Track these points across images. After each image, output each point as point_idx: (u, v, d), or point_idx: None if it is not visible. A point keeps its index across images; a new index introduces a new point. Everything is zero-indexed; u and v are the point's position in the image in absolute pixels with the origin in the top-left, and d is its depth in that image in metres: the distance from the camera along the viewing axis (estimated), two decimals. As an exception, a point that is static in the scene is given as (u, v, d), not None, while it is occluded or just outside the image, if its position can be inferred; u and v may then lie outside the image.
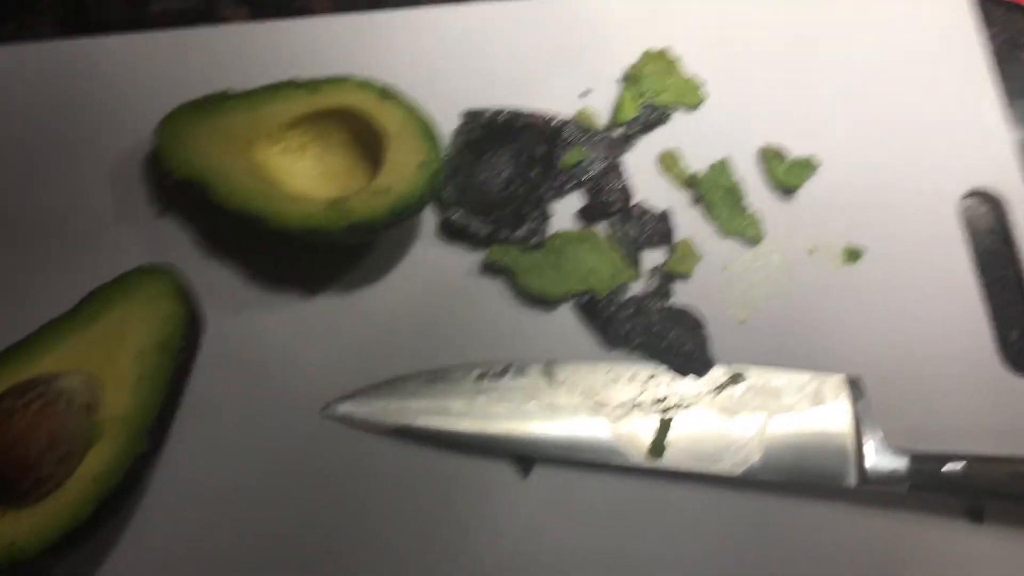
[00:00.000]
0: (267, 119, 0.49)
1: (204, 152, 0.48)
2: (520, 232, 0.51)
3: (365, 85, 0.49)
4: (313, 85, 0.49)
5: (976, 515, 0.47)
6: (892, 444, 0.46)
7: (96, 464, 0.41)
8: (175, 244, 0.51)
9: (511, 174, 0.52)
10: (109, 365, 0.43)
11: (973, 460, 0.45)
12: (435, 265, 0.51)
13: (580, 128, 0.53)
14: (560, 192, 0.52)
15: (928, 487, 0.45)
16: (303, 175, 0.50)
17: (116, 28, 0.56)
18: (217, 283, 0.50)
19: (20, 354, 0.43)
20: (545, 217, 0.51)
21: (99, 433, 0.42)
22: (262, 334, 0.49)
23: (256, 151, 0.49)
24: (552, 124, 0.53)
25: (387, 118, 0.48)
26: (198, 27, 0.56)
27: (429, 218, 0.52)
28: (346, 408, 0.48)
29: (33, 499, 0.40)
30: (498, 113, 0.53)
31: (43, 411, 0.40)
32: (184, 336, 0.45)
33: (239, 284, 0.50)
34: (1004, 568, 0.46)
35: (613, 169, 0.53)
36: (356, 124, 0.49)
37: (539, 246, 0.51)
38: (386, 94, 0.49)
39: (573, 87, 0.55)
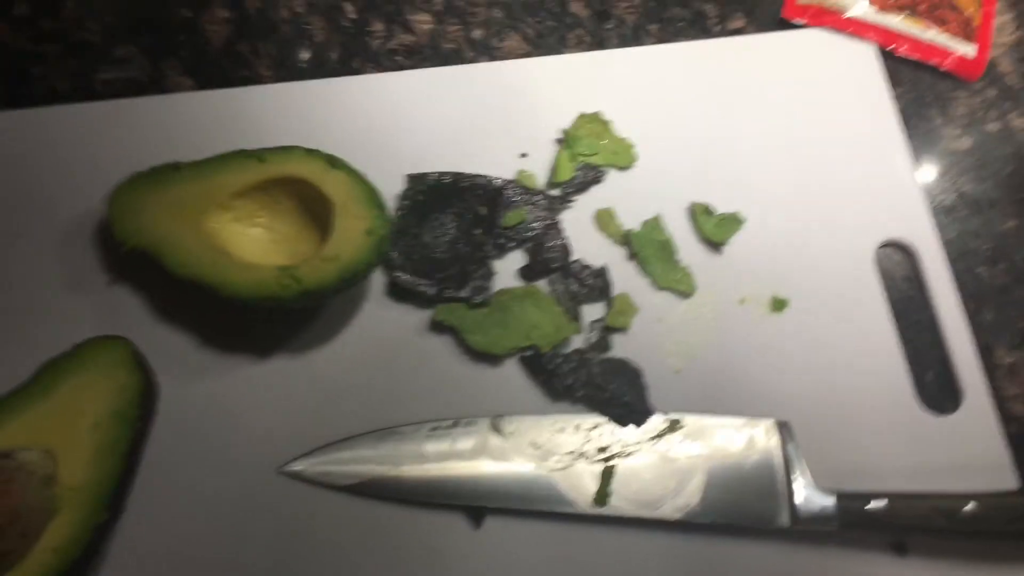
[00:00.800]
0: (217, 189, 0.50)
1: (155, 222, 0.49)
2: (466, 291, 0.53)
3: (312, 154, 0.51)
4: (262, 154, 0.51)
5: (900, 549, 0.50)
6: (820, 485, 0.49)
7: (57, 536, 0.42)
8: (127, 312, 0.52)
9: (455, 235, 0.54)
10: (66, 437, 0.44)
11: (895, 497, 0.48)
12: (384, 324, 0.53)
13: (520, 188, 0.56)
14: (503, 251, 0.55)
15: (854, 524, 0.48)
16: (253, 242, 0.51)
17: (63, 98, 0.57)
18: (170, 349, 0.51)
19: (-24, 429, 0.44)
20: (489, 275, 0.54)
21: (58, 505, 0.43)
22: (216, 398, 0.50)
23: (207, 220, 0.50)
24: (493, 185, 0.56)
25: (334, 186, 0.50)
26: (144, 97, 0.57)
27: (377, 279, 0.54)
28: (301, 466, 0.49)
29: (-6, 573, 0.41)
30: (442, 176, 0.55)
31: (3, 487, 0.41)
32: (140, 405, 0.46)
33: (192, 350, 0.51)
34: (927, 597, 0.49)
35: (552, 228, 0.55)
36: (304, 192, 0.51)
37: (484, 304, 0.53)
38: (332, 162, 0.50)
39: (512, 149, 0.58)
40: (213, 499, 0.48)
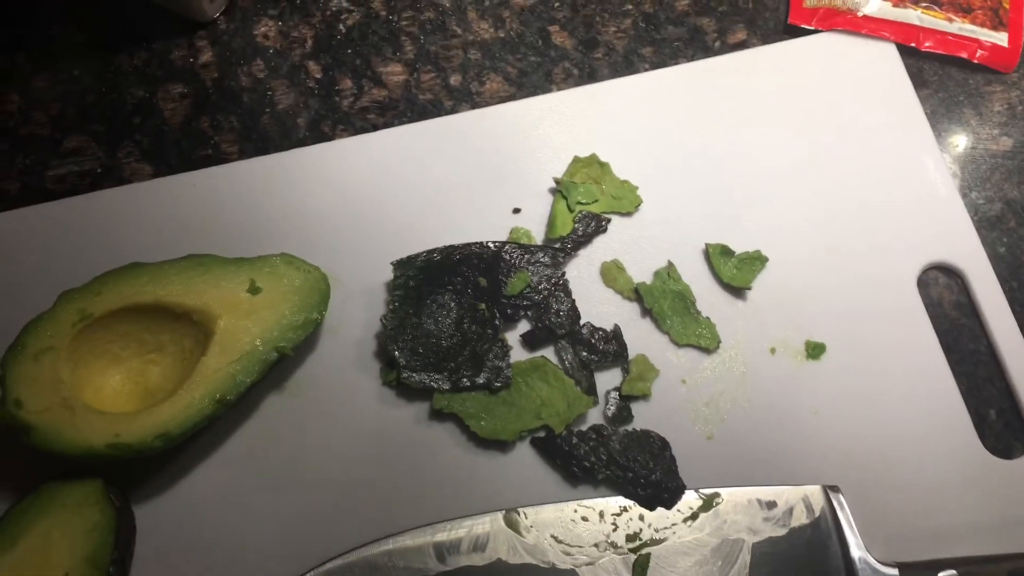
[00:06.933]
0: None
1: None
2: (483, 375, 0.48)
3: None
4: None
5: (978, 618, 0.44)
6: (879, 555, 0.44)
7: None
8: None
9: (459, 314, 0.49)
10: (36, 591, 0.40)
11: (965, 563, 0.43)
12: (380, 419, 0.48)
13: (518, 248, 0.50)
14: (514, 321, 0.50)
15: (924, 599, 0.43)
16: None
17: (13, 201, 0.53)
18: (144, 477, 0.46)
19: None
20: (505, 352, 0.48)
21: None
22: (201, 522, 0.46)
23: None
24: (489, 251, 0.50)
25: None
26: (99, 191, 0.52)
27: (370, 371, 0.49)
28: (301, 588, 0.44)
29: None
30: (431, 253, 0.50)
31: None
32: (115, 545, 0.42)
33: (167, 474, 0.47)
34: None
35: (558, 288, 0.50)
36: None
37: (507, 386, 0.48)
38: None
39: (503, 205, 0.53)
40: (208, 635, 0.44)
